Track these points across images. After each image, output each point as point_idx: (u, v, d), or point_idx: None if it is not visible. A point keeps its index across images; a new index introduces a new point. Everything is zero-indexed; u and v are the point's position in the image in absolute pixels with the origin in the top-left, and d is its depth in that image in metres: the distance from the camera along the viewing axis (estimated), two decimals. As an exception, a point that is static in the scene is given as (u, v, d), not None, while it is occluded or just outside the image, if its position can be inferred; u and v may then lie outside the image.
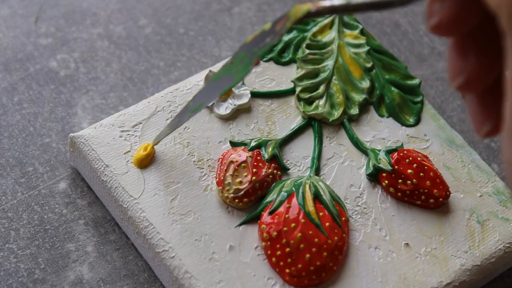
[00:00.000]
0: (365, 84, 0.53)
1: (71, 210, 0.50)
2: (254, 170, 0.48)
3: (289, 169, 0.50)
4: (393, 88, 0.54)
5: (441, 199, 0.49)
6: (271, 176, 0.49)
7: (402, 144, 0.52)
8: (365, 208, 0.49)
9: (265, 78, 0.54)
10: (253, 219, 0.48)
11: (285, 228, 0.46)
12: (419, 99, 0.54)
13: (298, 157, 0.51)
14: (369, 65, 0.54)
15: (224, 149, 0.50)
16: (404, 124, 0.53)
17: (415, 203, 0.49)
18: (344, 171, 0.50)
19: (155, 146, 0.49)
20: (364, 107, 0.53)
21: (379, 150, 0.51)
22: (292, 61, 0.55)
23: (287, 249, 0.46)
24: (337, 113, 0.52)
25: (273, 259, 0.46)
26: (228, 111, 0.51)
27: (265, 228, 0.47)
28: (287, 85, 0.54)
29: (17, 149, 0.52)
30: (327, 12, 0.36)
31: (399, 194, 0.49)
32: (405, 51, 0.61)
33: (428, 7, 0.32)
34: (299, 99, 0.53)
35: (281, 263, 0.46)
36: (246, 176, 0.48)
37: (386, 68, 0.55)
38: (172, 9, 0.61)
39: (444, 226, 0.49)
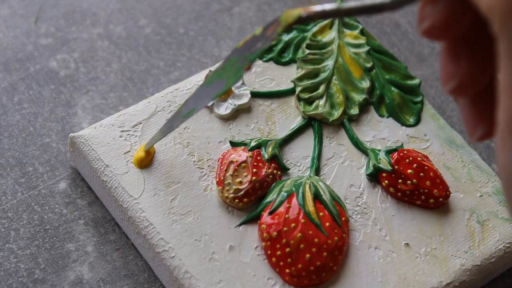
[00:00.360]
0: (365, 84, 0.53)
1: (71, 210, 0.50)
2: (254, 170, 0.48)
3: (289, 169, 0.50)
4: (393, 88, 0.54)
5: (441, 199, 0.49)
6: (271, 176, 0.49)
7: (402, 144, 0.52)
8: (365, 208, 0.49)
9: (265, 78, 0.54)
10: (253, 219, 0.48)
11: (285, 228, 0.46)
12: (419, 99, 0.54)
13: (298, 157, 0.51)
14: (369, 65, 0.54)
15: (224, 149, 0.50)
16: (404, 124, 0.53)
17: (415, 203, 0.49)
18: (344, 171, 0.50)
19: (155, 146, 0.49)
20: (364, 107, 0.53)
21: (379, 150, 0.51)
22: (292, 61, 0.55)
23: (287, 249, 0.46)
24: (337, 113, 0.52)
25: (273, 259, 0.46)
26: (228, 111, 0.51)
27: (265, 228, 0.47)
28: (287, 85, 0.54)
29: (17, 149, 0.52)
30: (318, 17, 0.36)
31: (399, 194, 0.49)
32: (405, 51, 0.61)
33: (419, 11, 0.32)
34: (299, 99, 0.53)
35: (281, 263, 0.46)
36: (246, 176, 0.48)
37: (386, 68, 0.55)
38: (172, 9, 0.61)
39: (444, 226, 0.49)
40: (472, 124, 0.33)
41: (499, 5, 0.28)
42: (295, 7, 0.62)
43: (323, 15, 0.35)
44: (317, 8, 0.35)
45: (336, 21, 0.56)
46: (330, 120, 0.52)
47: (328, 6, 0.35)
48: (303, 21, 0.37)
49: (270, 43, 0.39)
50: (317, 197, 0.48)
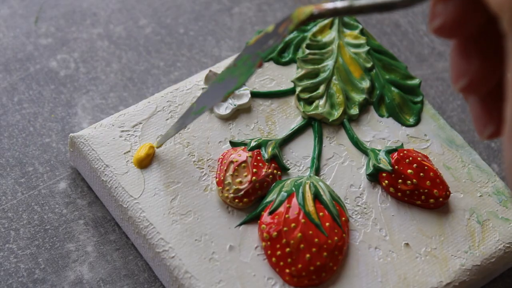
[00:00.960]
0: (365, 84, 0.53)
1: (71, 210, 0.50)
2: (254, 170, 0.48)
3: (289, 169, 0.50)
4: (393, 88, 0.54)
5: (441, 199, 0.49)
6: (271, 176, 0.49)
7: (402, 144, 0.52)
8: (365, 208, 0.49)
9: (265, 78, 0.54)
10: (253, 219, 0.48)
11: (285, 228, 0.46)
12: (419, 99, 0.54)
13: (298, 157, 0.51)
14: (369, 65, 0.54)
15: (224, 149, 0.50)
16: (404, 124, 0.53)
17: (415, 203, 0.49)
18: (344, 171, 0.50)
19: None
20: (364, 107, 0.53)
21: (379, 150, 0.51)
22: (292, 61, 0.55)
23: (287, 249, 0.46)
24: (337, 113, 0.52)
25: (273, 259, 0.46)
26: (228, 111, 0.51)
27: (265, 228, 0.47)
28: (287, 85, 0.54)
29: (17, 149, 0.52)
30: (330, 15, 0.36)
31: (399, 194, 0.49)
32: (405, 51, 0.61)
33: (431, 9, 0.32)
34: (299, 99, 0.53)
35: (281, 263, 0.46)
36: (246, 176, 0.48)
37: (386, 68, 0.55)
38: (172, 9, 0.61)
39: (444, 226, 0.49)
40: (482, 122, 0.33)
41: (509, 2, 0.28)
42: (295, 7, 0.62)
43: (335, 12, 0.35)
44: (329, 5, 0.35)
45: (336, 21, 0.56)
46: (330, 120, 0.52)
47: (340, 4, 0.35)
48: (315, 18, 0.37)
49: (282, 40, 0.39)
50: (317, 197, 0.48)
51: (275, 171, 0.49)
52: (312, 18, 0.37)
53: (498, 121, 0.32)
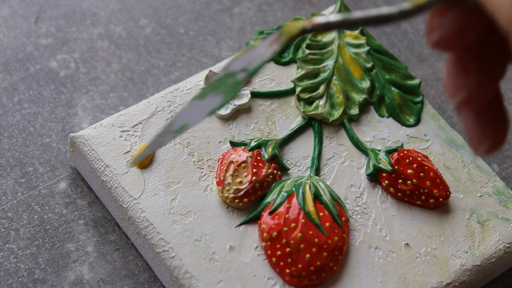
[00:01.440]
0: (365, 84, 0.53)
1: (71, 210, 0.50)
2: (254, 170, 0.48)
3: (289, 169, 0.50)
4: (393, 88, 0.54)
5: (441, 199, 0.49)
6: (271, 176, 0.49)
7: (402, 144, 0.52)
8: (365, 208, 0.49)
9: (265, 78, 0.54)
10: (253, 219, 0.48)
11: (285, 228, 0.46)
12: (419, 99, 0.54)
13: (298, 157, 0.51)
14: (369, 65, 0.54)
15: (224, 149, 0.50)
16: (404, 124, 0.53)
17: (415, 203, 0.49)
18: (344, 171, 0.50)
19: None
20: (364, 107, 0.53)
21: (379, 150, 0.51)
22: (292, 61, 0.55)
23: (287, 249, 0.46)
24: (337, 113, 0.52)
25: (273, 259, 0.46)
26: (228, 111, 0.51)
27: (265, 228, 0.47)
28: (287, 85, 0.54)
29: (17, 149, 0.52)
30: (322, 29, 0.35)
31: (399, 194, 0.49)
32: (405, 51, 0.61)
33: (428, 23, 0.31)
34: (299, 99, 0.53)
35: (281, 263, 0.46)
36: (246, 176, 0.48)
37: (386, 68, 0.55)
38: (172, 9, 0.61)
39: (444, 226, 0.49)
40: (477, 138, 0.32)
41: None
42: (295, 7, 0.62)
43: (328, 26, 0.35)
44: (322, 19, 0.35)
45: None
46: (330, 120, 0.52)
47: (333, 18, 0.34)
48: (307, 33, 0.36)
49: (272, 55, 0.38)
50: (317, 197, 0.48)
51: (275, 171, 0.49)
52: (304, 33, 0.36)
53: (493, 136, 0.32)
